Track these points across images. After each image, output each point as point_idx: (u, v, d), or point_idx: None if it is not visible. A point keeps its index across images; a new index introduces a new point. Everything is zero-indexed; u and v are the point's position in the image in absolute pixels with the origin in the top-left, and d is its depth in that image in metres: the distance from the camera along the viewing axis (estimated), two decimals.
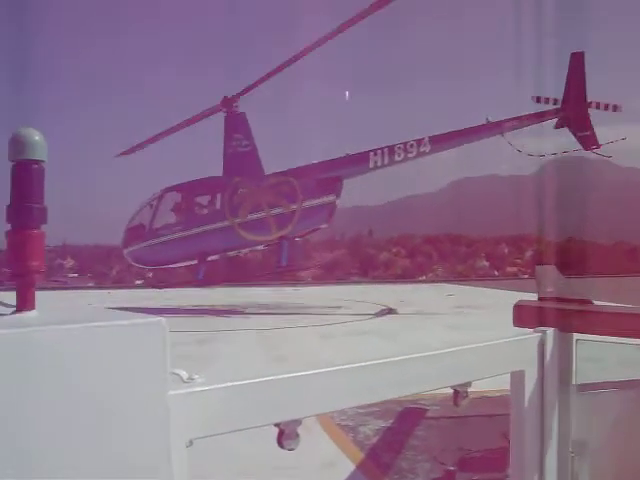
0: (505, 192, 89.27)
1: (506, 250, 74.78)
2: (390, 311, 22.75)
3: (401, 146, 13.61)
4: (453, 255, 72.54)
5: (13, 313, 2.47)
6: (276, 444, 2.53)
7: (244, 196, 12.89)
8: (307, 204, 13.49)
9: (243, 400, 2.98)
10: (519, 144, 14.54)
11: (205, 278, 14.53)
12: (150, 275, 47.70)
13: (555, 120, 14.23)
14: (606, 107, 14.33)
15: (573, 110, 13.67)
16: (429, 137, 13.78)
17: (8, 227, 2.46)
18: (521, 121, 13.89)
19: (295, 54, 13.33)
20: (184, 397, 2.71)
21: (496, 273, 68.59)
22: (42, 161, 2.49)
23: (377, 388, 3.21)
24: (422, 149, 13.64)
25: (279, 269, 14.00)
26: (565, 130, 14.26)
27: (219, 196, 13.71)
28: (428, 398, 8.94)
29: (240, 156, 13.75)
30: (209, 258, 14.00)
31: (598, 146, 14.09)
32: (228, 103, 14.17)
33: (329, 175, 13.83)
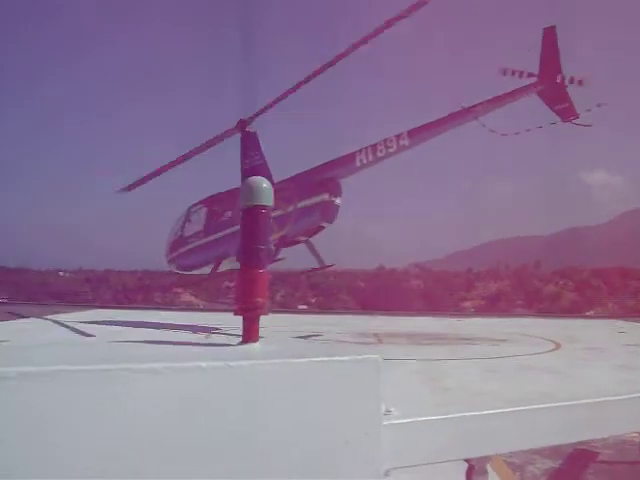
0: None
1: None
2: (558, 347, 21.76)
3: (382, 143, 13.89)
4: (623, 289, 68.55)
5: (239, 344, 2.71)
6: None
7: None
8: (301, 205, 13.86)
9: (436, 434, 3.06)
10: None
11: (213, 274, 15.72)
12: (313, 300, 48.77)
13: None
14: (571, 80, 13.50)
15: (549, 83, 13.74)
16: (407, 131, 13.85)
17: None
18: (495, 101, 13.80)
19: (297, 82, 13.68)
20: (390, 428, 2.84)
21: None
22: (268, 206, 2.74)
23: (568, 430, 3.18)
24: (402, 143, 13.83)
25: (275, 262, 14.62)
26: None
27: (234, 205, 14.93)
28: (599, 440, 8.54)
29: (254, 169, 14.85)
30: (226, 260, 14.89)
31: (577, 116, 13.88)
32: (243, 125, 15.18)
33: (323, 177, 14.16)
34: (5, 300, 30.67)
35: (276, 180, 14.68)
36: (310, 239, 13.96)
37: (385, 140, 13.90)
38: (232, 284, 57.25)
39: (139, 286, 51.43)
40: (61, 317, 14.14)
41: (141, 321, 13.88)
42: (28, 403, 1.94)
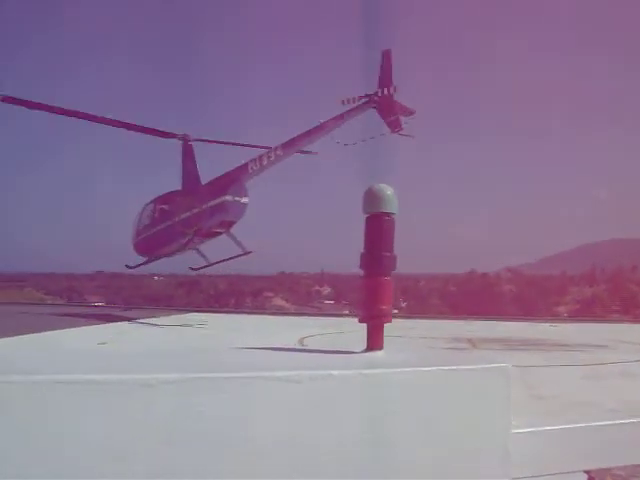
0: None
1: None
2: None
3: (265, 154, 16.73)
4: None
5: (364, 351, 2.71)
6: None
7: (181, 202, 18.01)
8: (210, 204, 17.14)
9: (559, 445, 2.98)
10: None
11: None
12: (404, 305, 48.43)
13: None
14: (403, 110, 16.66)
15: (383, 99, 16.08)
16: (281, 144, 16.82)
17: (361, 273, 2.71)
18: (342, 118, 16.12)
19: None
20: (517, 438, 2.78)
21: None
22: (393, 213, 2.72)
23: None
24: (278, 153, 16.71)
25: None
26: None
27: (176, 202, 18.27)
28: None
29: (189, 175, 18.23)
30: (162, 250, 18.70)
31: (401, 129, 16.40)
32: (185, 138, 18.06)
33: (227, 180, 17.29)
34: (102, 304, 31.74)
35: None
36: (231, 231, 17.14)
37: (268, 152, 16.54)
38: (321, 288, 57.88)
39: (231, 290, 52.37)
40: (159, 321, 14.53)
41: (239, 325, 14.10)
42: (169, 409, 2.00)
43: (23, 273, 49.56)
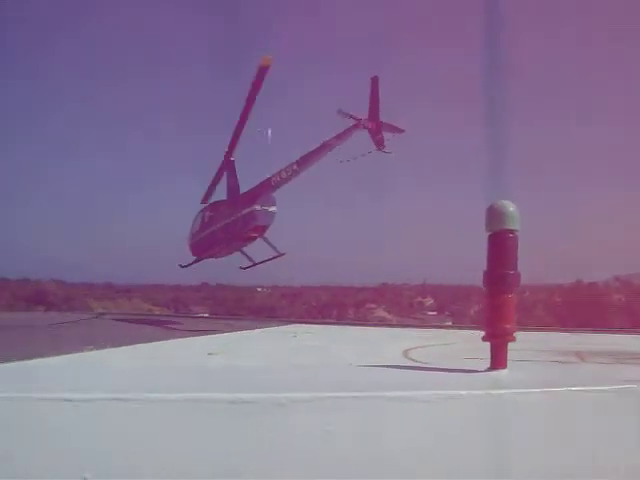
0: None
1: None
2: None
3: (284, 169, 19.60)
4: None
5: (487, 370, 2.68)
6: None
7: (224, 210, 21.07)
8: (243, 212, 20.18)
9: None
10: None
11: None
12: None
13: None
14: (392, 129, 19.74)
15: (372, 119, 19.19)
16: (296, 160, 19.51)
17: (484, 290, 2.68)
18: (340, 137, 19.31)
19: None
20: None
21: None
22: (516, 230, 2.68)
23: None
24: (295, 168, 19.45)
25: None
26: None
27: (219, 211, 21.37)
28: None
29: (231, 187, 21.04)
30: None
31: (384, 146, 19.46)
32: (227, 155, 20.87)
33: (256, 191, 20.26)
34: (206, 315, 32.52)
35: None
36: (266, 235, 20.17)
37: (286, 167, 19.55)
38: (424, 299, 57.23)
39: (333, 302, 52.61)
40: (264, 332, 14.79)
41: (342, 336, 14.17)
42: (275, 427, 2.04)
43: (130, 285, 51.35)
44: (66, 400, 2.04)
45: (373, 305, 51.35)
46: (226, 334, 13.64)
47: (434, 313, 50.89)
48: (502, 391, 2.30)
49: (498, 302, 2.60)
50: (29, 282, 48.30)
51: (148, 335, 13.15)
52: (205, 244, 21.68)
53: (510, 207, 2.63)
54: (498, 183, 2.88)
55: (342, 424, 2.06)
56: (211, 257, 22.11)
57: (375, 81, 19.56)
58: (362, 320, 36.64)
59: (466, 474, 2.21)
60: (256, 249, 21.19)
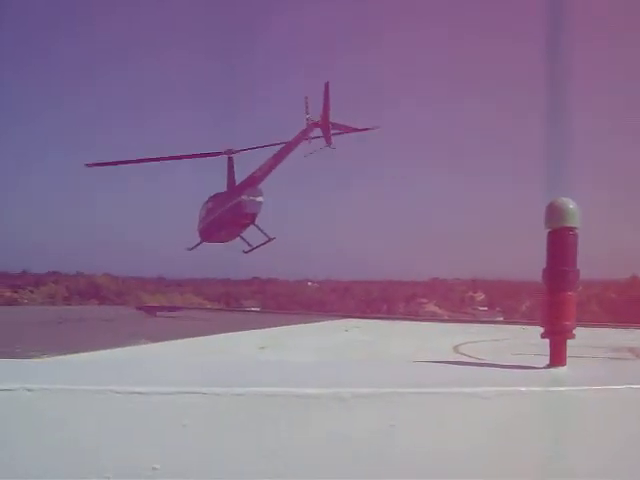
0: None
1: None
2: None
3: (264, 163, 23.33)
4: None
5: (546, 367, 2.68)
6: None
7: (220, 201, 24.06)
8: (233, 202, 23.48)
9: None
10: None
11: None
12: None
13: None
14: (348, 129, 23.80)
15: (324, 120, 22.40)
16: (273, 155, 23.24)
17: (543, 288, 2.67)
18: (300, 136, 22.90)
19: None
20: None
21: None
22: (576, 228, 2.68)
23: None
24: (271, 163, 23.10)
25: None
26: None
27: (218, 201, 24.37)
28: None
29: (229, 180, 24.16)
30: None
31: (331, 142, 22.63)
32: (229, 152, 23.98)
33: (244, 184, 23.73)
34: (257, 309, 32.83)
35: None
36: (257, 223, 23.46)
37: (264, 162, 23.07)
38: (475, 294, 56.78)
39: (383, 296, 52.53)
40: (315, 326, 14.87)
41: (393, 331, 14.16)
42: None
43: (180, 279, 51.87)
44: (138, 393, 2.10)
45: (424, 300, 51.10)
46: (277, 328, 13.77)
47: (485, 308, 50.40)
48: (562, 388, 2.30)
49: (558, 299, 2.60)
50: (83, 276, 49.42)
51: (201, 329, 13.37)
52: (208, 230, 24.46)
53: (570, 204, 2.63)
54: (558, 180, 2.87)
55: (405, 419, 2.09)
56: (217, 241, 24.85)
57: (327, 87, 22.79)
58: (413, 315, 36.52)
59: (525, 473, 2.23)
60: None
